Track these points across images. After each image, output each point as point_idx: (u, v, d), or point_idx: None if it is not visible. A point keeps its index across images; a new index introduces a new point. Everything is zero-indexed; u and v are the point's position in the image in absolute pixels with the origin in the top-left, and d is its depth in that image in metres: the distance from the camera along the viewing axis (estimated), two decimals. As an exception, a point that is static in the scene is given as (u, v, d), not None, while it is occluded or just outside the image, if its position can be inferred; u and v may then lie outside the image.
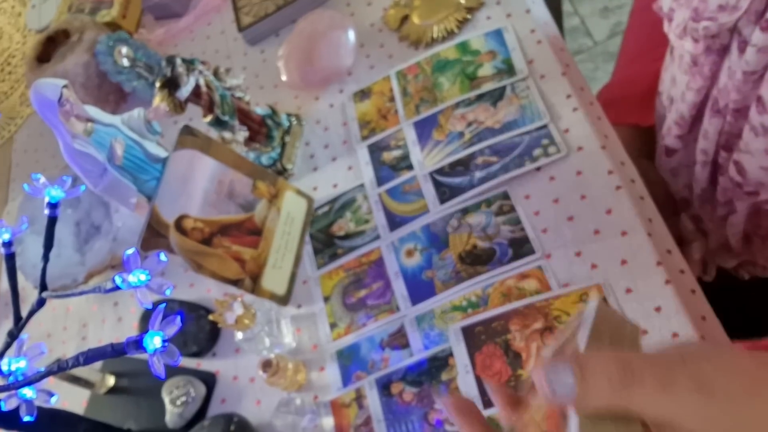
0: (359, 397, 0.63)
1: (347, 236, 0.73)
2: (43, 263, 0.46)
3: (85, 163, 0.56)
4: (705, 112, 0.57)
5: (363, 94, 0.82)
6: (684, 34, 0.53)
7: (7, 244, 0.46)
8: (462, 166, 0.70)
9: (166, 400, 0.70)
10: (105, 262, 0.82)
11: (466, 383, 0.59)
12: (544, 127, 0.68)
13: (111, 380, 0.79)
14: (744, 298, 0.79)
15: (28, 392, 0.39)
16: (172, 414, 0.69)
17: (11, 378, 0.39)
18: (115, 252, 0.82)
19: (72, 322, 0.88)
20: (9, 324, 0.46)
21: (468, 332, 0.61)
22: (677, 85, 0.59)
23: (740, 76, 0.50)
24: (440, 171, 0.71)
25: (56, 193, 0.46)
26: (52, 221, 0.47)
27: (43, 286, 0.44)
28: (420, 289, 0.66)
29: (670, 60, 0.60)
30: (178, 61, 0.67)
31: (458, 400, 0.33)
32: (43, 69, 0.96)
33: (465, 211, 0.68)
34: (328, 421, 0.63)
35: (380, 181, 0.74)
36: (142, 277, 0.36)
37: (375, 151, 0.77)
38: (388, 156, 0.75)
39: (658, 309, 0.55)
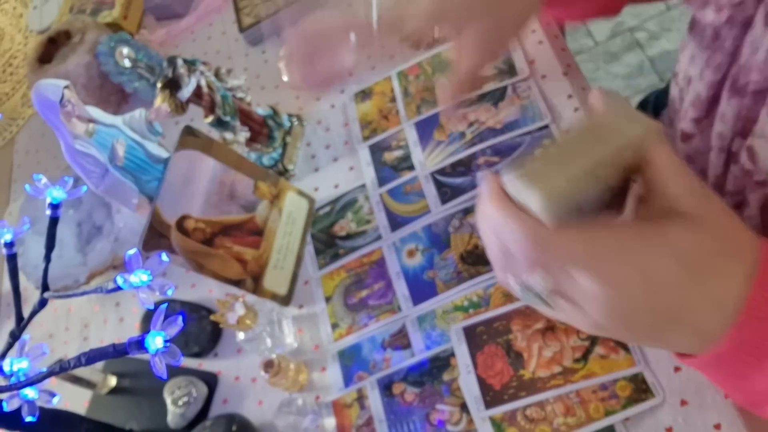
0: (361, 398, 0.63)
1: (348, 236, 0.73)
2: (45, 264, 0.46)
3: (87, 164, 0.56)
4: (722, 93, 0.55)
5: (364, 95, 0.82)
6: (706, 1, 0.52)
7: (9, 245, 0.46)
8: (463, 166, 0.70)
9: (168, 400, 0.70)
10: (107, 263, 0.82)
11: (468, 383, 0.59)
12: (546, 127, 0.68)
13: (113, 381, 0.79)
14: None
15: (30, 393, 0.39)
16: (173, 414, 0.69)
17: (13, 378, 0.39)
18: (116, 252, 0.82)
19: (74, 322, 0.88)
20: (11, 324, 0.46)
21: (470, 332, 0.61)
22: (695, 64, 0.58)
23: (764, 54, 0.49)
24: (442, 171, 0.71)
25: (58, 193, 0.46)
26: (53, 222, 0.47)
27: (45, 287, 0.45)
28: (421, 289, 0.66)
29: (689, 38, 0.59)
30: (180, 61, 0.67)
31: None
32: (44, 70, 0.96)
33: (466, 211, 0.68)
34: (330, 422, 0.63)
35: (381, 181, 0.74)
36: (144, 278, 0.36)
37: (376, 151, 0.77)
38: (390, 156, 0.75)
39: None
